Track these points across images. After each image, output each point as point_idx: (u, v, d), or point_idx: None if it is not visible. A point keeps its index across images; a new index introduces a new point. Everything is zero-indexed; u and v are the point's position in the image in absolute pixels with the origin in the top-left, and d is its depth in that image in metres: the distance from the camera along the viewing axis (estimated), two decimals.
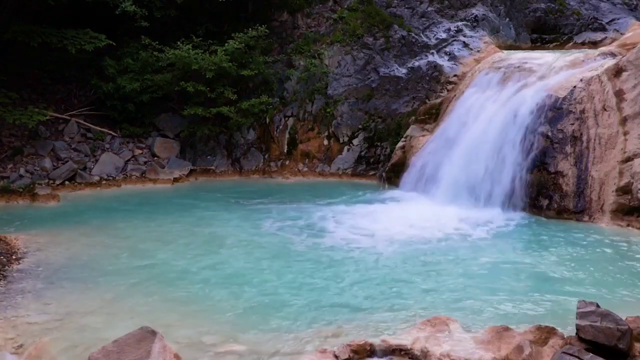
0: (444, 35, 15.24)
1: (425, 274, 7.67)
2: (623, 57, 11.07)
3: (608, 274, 7.55)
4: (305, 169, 14.78)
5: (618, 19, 15.87)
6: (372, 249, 8.69)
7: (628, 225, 9.72)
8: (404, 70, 14.90)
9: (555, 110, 11.07)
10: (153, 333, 4.59)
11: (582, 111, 10.83)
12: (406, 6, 15.64)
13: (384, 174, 13.84)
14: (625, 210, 9.84)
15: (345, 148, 14.79)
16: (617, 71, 10.78)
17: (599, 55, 12.10)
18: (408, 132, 13.84)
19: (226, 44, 13.88)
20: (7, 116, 12.17)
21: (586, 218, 10.21)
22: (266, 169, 14.79)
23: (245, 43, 14.11)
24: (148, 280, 7.36)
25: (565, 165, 10.61)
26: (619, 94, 10.61)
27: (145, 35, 14.03)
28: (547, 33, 16.10)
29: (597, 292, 6.89)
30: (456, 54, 14.89)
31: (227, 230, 9.75)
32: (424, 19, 15.52)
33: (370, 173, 14.46)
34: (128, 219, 10.34)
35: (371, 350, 5.20)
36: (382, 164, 14.30)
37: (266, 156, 14.97)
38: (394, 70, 14.93)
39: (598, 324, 4.73)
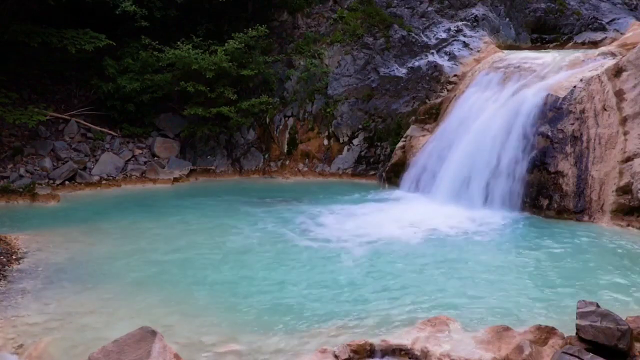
0: (444, 35, 15.23)
1: (425, 274, 7.67)
2: (623, 57, 11.06)
3: (608, 274, 7.54)
4: (305, 169, 14.78)
5: (618, 19, 15.87)
6: (371, 249, 8.68)
7: (628, 225, 9.71)
8: (404, 70, 14.90)
9: (555, 110, 11.07)
10: (153, 333, 4.59)
11: (582, 111, 10.83)
12: (406, 6, 15.63)
13: (384, 174, 13.83)
14: (625, 210, 9.84)
15: (345, 148, 14.79)
16: (617, 71, 10.77)
17: (599, 55, 12.09)
18: (408, 132, 13.84)
19: (226, 44, 13.89)
20: (7, 116, 12.17)
21: (586, 218, 10.20)
22: (266, 169, 14.80)
23: (245, 43, 14.11)
24: (148, 280, 7.36)
25: (565, 165, 10.61)
26: (619, 94, 10.61)
27: (145, 35, 14.04)
28: (547, 33, 16.10)
29: (597, 291, 6.89)
30: (456, 54, 14.88)
31: (226, 230, 9.74)
32: (424, 19, 15.52)
33: (370, 173, 14.46)
34: (128, 219, 10.34)
35: (371, 350, 5.20)
36: (382, 164, 14.29)
37: (266, 156, 14.97)
38: (394, 70, 14.93)
39: (598, 324, 4.73)
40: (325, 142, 14.93)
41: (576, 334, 4.86)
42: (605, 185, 10.19)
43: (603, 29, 15.76)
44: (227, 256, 8.40)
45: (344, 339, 5.46)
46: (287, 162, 14.88)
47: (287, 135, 15.02)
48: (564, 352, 4.62)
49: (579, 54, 12.64)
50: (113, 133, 14.37)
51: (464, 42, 15.05)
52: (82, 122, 14.22)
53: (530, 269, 7.82)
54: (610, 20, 15.91)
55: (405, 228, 9.70)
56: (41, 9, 13.41)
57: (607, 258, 8.23)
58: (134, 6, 13.56)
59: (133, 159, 13.96)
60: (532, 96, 11.53)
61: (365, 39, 15.21)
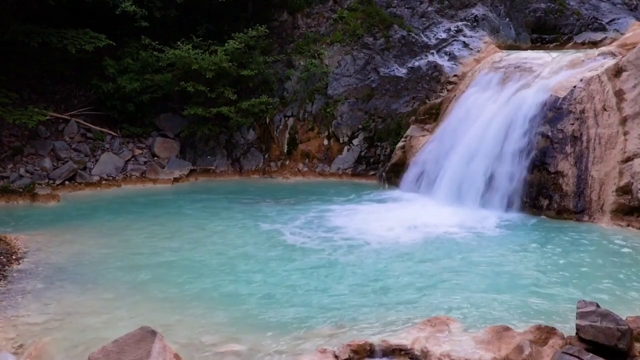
0: (444, 35, 15.23)
1: (425, 274, 7.66)
2: (623, 57, 11.07)
3: (608, 274, 7.54)
4: (305, 169, 14.78)
5: (618, 19, 15.87)
6: (371, 249, 8.68)
7: (628, 225, 9.71)
8: (404, 70, 14.90)
9: (555, 110, 11.07)
10: (153, 333, 4.59)
11: (582, 111, 10.83)
12: (406, 6, 15.63)
13: (384, 174, 13.83)
14: (626, 210, 9.84)
15: (345, 148, 14.79)
16: (617, 71, 10.78)
17: (599, 55, 12.09)
18: (408, 132, 13.84)
19: (226, 44, 13.89)
20: (7, 116, 12.17)
21: (586, 218, 10.20)
22: (266, 169, 14.80)
23: (245, 43, 14.11)
24: (148, 280, 7.36)
25: (565, 165, 10.61)
26: (619, 94, 10.61)
27: (145, 35, 14.04)
28: (547, 33, 16.10)
29: (597, 291, 6.89)
30: (456, 54, 14.88)
31: (227, 231, 9.75)
32: (424, 19, 15.52)
33: (370, 173, 14.46)
34: (128, 219, 10.34)
35: (371, 350, 5.20)
36: (382, 164, 14.29)
37: (266, 156, 14.97)
38: (394, 70, 14.93)
39: (598, 324, 4.72)
40: (325, 142, 14.93)
41: (576, 334, 4.86)
42: (605, 186, 10.19)
43: (603, 29, 15.76)
44: (227, 257, 8.39)
45: (344, 339, 5.46)
46: (287, 162, 14.88)
47: (287, 135, 15.02)
48: (564, 352, 4.61)
49: (579, 54, 12.64)
50: (113, 133, 14.37)
51: (464, 42, 15.05)
52: (82, 122, 14.22)
53: (530, 269, 7.82)
54: (610, 21, 15.91)
55: (404, 228, 9.69)
56: (41, 9, 13.40)
57: (607, 258, 8.23)
58: (134, 6, 13.55)
59: (133, 159, 13.96)
60: (532, 96, 11.53)
61: (365, 39, 15.21)
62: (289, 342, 5.59)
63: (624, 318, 4.88)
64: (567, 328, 5.33)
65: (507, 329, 5.23)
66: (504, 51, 14.61)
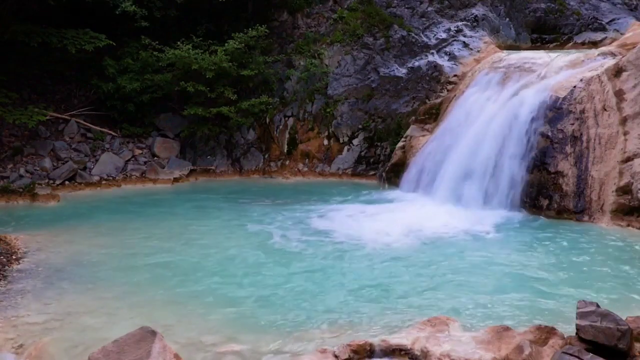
0: (444, 35, 15.23)
1: (425, 274, 7.67)
2: (623, 57, 11.07)
3: (608, 274, 7.54)
4: (305, 169, 14.77)
5: (618, 19, 15.87)
6: (371, 250, 8.68)
7: (628, 225, 9.72)
8: (404, 70, 14.90)
9: (555, 110, 11.07)
10: (153, 333, 4.59)
11: (582, 111, 10.83)
12: (406, 6, 15.63)
13: (384, 174, 13.83)
14: (626, 210, 9.84)
15: (345, 148, 14.79)
16: (617, 71, 10.78)
17: (599, 55, 12.09)
18: (408, 132, 13.84)
19: (226, 44, 13.89)
20: (7, 116, 12.17)
21: (586, 218, 10.20)
22: (266, 169, 14.80)
23: (245, 43, 14.11)
24: (148, 280, 7.36)
25: (565, 165, 10.61)
26: (619, 94, 10.61)
27: (145, 35, 14.03)
28: (547, 33, 16.10)
29: (597, 292, 6.89)
30: (456, 54, 14.88)
31: (226, 231, 9.75)
32: (424, 19, 15.52)
33: (370, 173, 14.46)
34: (128, 219, 10.34)
35: (371, 350, 5.20)
36: (382, 164, 14.29)
37: (266, 156, 14.97)
38: (394, 70, 14.93)
39: (598, 324, 4.72)
40: (325, 142, 14.93)
41: (576, 334, 4.86)
42: (605, 186, 10.19)
43: (603, 29, 15.76)
44: (225, 257, 8.39)
45: (344, 339, 5.46)
46: (287, 162, 14.88)
47: (287, 135, 15.02)
48: (564, 352, 4.61)
49: (579, 54, 12.63)
50: (113, 133, 14.37)
51: (464, 42, 15.05)
52: (82, 122, 14.22)
53: (530, 269, 7.82)
54: (610, 20, 15.91)
55: (404, 229, 9.68)
56: (41, 9, 13.40)
57: (607, 258, 8.23)
58: (134, 6, 13.55)
59: (133, 159, 13.96)
60: (532, 96, 11.53)
61: (365, 39, 15.20)
62: (289, 342, 5.60)
63: (624, 318, 4.88)
64: (568, 328, 5.33)
65: (507, 329, 5.23)
66: (504, 51, 14.61)
